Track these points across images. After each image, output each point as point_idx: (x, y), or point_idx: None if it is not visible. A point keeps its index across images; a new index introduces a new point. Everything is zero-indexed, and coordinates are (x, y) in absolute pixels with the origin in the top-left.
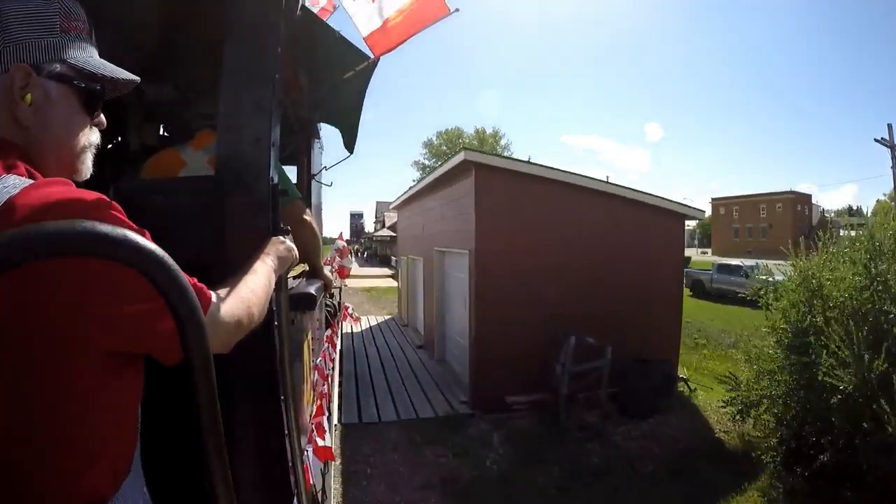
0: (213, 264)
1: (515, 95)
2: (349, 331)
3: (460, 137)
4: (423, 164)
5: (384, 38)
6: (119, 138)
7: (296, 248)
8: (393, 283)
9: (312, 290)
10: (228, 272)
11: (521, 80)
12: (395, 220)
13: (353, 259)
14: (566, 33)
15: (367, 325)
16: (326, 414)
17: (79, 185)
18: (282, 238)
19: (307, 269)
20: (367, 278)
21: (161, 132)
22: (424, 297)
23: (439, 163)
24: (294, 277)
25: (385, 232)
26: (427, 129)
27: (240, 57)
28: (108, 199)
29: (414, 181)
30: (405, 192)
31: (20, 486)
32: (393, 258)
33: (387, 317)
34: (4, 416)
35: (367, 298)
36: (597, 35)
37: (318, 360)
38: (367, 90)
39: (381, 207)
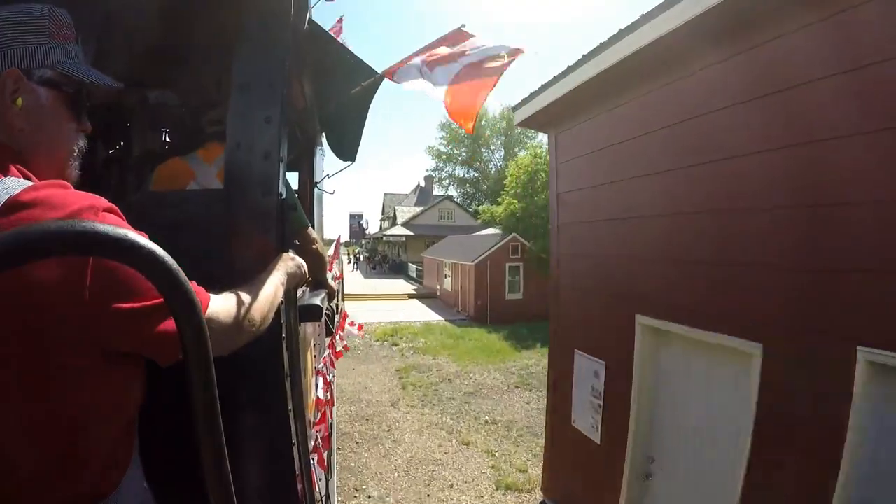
0: (222, 277)
1: (516, 95)
2: None
3: (482, 119)
4: (438, 150)
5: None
6: (122, 143)
7: (305, 265)
8: (430, 314)
9: (318, 300)
10: (237, 285)
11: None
12: (414, 214)
13: (349, 265)
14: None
15: None
16: (330, 420)
17: (77, 187)
18: (292, 255)
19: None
20: (377, 300)
21: (164, 138)
22: None
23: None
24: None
25: (398, 230)
26: (426, 123)
27: (249, 72)
28: (106, 201)
29: (429, 170)
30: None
31: (21, 482)
32: (412, 266)
33: None
34: (5, 412)
35: (399, 376)
36: (596, 35)
37: (320, 366)
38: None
39: (389, 200)
